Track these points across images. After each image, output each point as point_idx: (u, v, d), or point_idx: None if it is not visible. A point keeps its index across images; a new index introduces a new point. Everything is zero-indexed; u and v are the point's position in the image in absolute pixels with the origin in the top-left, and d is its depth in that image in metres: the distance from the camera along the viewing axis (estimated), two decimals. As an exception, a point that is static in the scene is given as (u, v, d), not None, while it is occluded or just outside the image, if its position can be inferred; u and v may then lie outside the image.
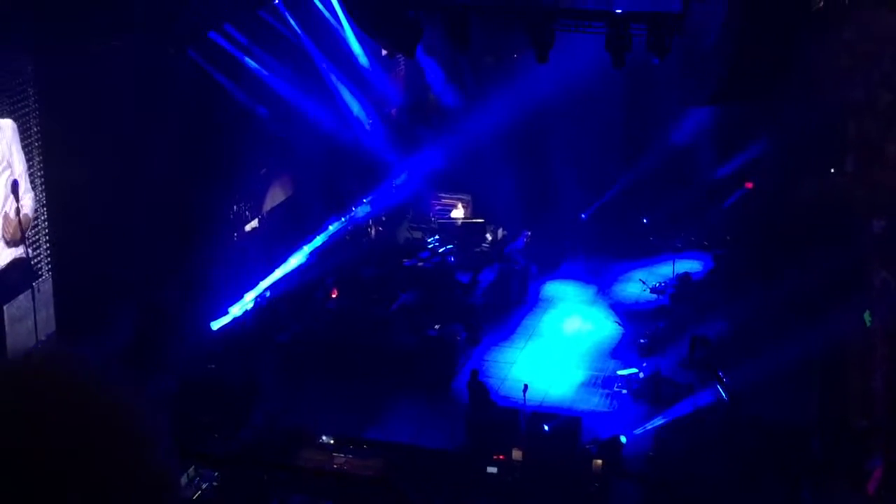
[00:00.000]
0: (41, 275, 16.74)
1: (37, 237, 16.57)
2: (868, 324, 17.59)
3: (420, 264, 24.58)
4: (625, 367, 20.69)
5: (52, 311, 17.01)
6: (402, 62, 27.39)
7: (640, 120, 25.93)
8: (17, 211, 15.64)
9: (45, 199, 16.74)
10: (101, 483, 1.67)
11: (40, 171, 16.61)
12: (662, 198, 25.34)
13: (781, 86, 17.59)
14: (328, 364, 20.58)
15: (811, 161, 21.66)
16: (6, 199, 15.61)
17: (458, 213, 26.98)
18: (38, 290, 16.55)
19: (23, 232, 15.90)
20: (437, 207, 27.16)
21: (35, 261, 16.56)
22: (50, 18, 16.06)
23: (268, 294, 22.43)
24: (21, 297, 16.23)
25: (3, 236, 15.73)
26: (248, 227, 23.54)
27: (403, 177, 26.42)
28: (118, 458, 1.71)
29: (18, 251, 16.05)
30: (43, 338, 16.62)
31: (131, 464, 1.72)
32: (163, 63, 18.85)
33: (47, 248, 16.85)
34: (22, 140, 16.22)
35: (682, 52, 18.59)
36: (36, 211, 16.54)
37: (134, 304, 19.67)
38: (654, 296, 23.92)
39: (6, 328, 15.94)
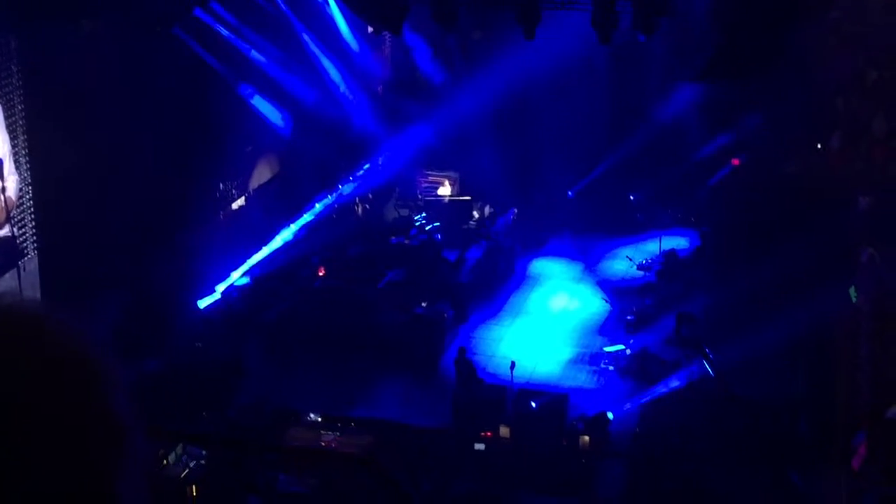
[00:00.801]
0: (27, 254, 16.65)
1: (22, 216, 16.47)
2: (854, 300, 17.64)
3: (407, 242, 24.55)
4: (612, 344, 20.73)
5: (38, 290, 16.93)
6: (389, 39, 27.27)
7: (627, 97, 25.89)
8: (3, 190, 15.54)
9: (31, 179, 16.62)
10: (50, 425, 1.58)
11: (25, 151, 16.48)
12: (649, 175, 25.34)
13: (769, 63, 17.58)
14: (315, 342, 20.56)
15: (798, 138, 21.70)
16: None
17: (444, 190, 26.93)
18: (24, 269, 16.46)
19: (7, 213, 15.78)
20: (424, 185, 27.11)
21: (20, 240, 16.45)
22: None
23: (255, 272, 22.39)
24: (7, 276, 16.14)
25: None
26: (234, 206, 23.49)
27: (382, 158, 26.32)
28: (68, 398, 1.61)
29: (3, 230, 15.94)
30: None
31: (84, 405, 1.62)
32: (148, 41, 18.73)
33: (33, 228, 16.75)
34: (6, 119, 16.09)
35: (671, 28, 18.56)
36: (21, 191, 16.42)
37: (120, 282, 19.61)
38: (641, 272, 23.97)
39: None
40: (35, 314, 1.68)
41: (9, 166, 15.79)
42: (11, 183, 15.77)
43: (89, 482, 1.61)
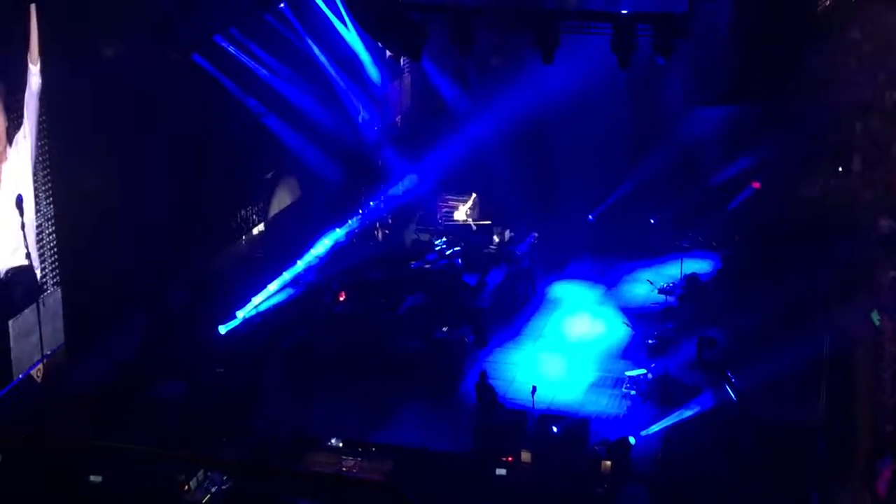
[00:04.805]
0: (46, 289, 16.53)
1: (43, 250, 16.39)
2: (876, 323, 17.53)
3: (427, 267, 24.55)
4: (633, 368, 20.66)
5: (59, 324, 16.80)
6: (408, 65, 27.39)
7: (647, 120, 25.90)
8: (22, 226, 15.52)
9: (53, 213, 16.55)
10: None
11: (48, 185, 16.41)
12: (670, 198, 25.31)
13: (788, 86, 17.57)
14: (335, 367, 20.58)
15: (818, 161, 21.63)
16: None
17: (464, 214, 26.96)
18: (44, 304, 16.35)
19: (26, 246, 15.73)
20: (444, 209, 27.15)
21: (41, 274, 16.35)
22: (55, 26, 16.04)
23: (275, 298, 22.43)
24: (27, 311, 16.02)
25: None
26: (255, 231, 23.56)
27: (409, 180, 26.39)
28: None
29: (24, 263, 15.89)
30: (48, 352, 16.42)
31: None
32: (168, 68, 18.84)
33: (53, 262, 16.64)
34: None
35: (690, 51, 18.58)
36: (40, 225, 16.31)
37: (142, 309, 19.70)
38: (662, 296, 23.86)
39: (11, 343, 15.71)
40: None
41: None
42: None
43: None
